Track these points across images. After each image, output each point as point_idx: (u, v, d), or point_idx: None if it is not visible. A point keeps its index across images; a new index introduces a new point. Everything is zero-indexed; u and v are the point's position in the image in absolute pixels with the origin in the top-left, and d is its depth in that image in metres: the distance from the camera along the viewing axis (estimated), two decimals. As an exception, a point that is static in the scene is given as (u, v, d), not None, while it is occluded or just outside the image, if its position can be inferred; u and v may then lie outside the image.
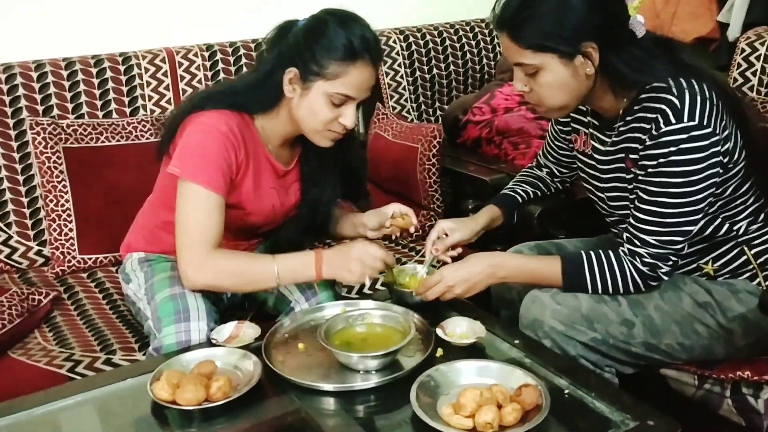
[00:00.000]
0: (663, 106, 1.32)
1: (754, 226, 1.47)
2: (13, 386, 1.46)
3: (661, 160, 1.33)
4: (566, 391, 1.25)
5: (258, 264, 1.46)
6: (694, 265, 1.51)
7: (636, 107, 1.39)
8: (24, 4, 2.12)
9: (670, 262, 1.41)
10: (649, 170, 1.36)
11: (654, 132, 1.33)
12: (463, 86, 2.81)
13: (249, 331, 1.44)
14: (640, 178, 1.39)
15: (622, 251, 1.43)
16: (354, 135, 1.65)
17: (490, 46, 2.85)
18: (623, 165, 1.45)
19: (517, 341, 1.40)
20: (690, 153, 1.31)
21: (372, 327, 1.44)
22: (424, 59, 2.70)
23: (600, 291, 1.44)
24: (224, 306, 1.71)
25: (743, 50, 2.08)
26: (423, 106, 2.71)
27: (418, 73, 2.68)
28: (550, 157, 1.81)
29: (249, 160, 1.54)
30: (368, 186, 2.47)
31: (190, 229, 1.44)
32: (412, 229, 1.68)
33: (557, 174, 1.83)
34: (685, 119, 1.30)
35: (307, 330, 1.48)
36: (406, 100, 2.63)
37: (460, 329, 1.42)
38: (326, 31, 1.45)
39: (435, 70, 2.73)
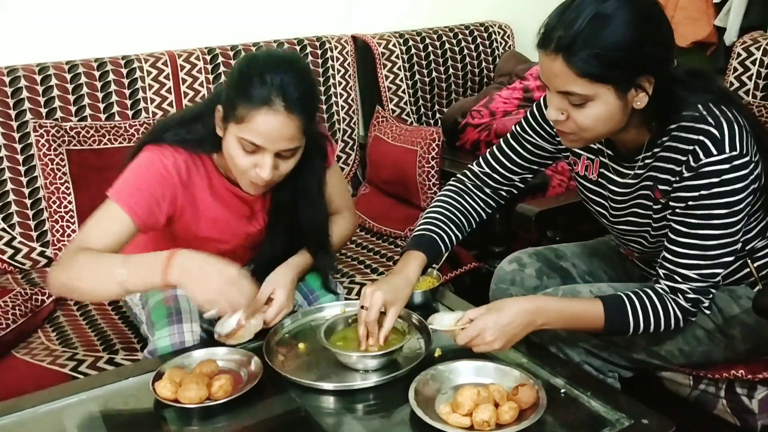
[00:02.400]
0: (701, 137, 1.26)
1: (762, 243, 1.46)
2: (17, 385, 1.48)
3: (704, 192, 1.27)
4: (562, 391, 1.26)
5: (103, 262, 1.30)
6: None
7: (665, 138, 1.32)
8: (27, 8, 2.13)
9: (710, 296, 1.35)
10: (690, 203, 1.29)
11: (693, 163, 1.27)
12: (462, 89, 2.83)
13: (253, 322, 1.41)
14: (677, 211, 1.32)
15: (662, 289, 1.35)
16: (314, 196, 1.54)
17: (489, 50, 2.87)
18: (649, 193, 1.37)
19: (514, 342, 1.42)
20: (733, 183, 1.26)
21: (371, 327, 1.46)
22: (424, 63, 2.72)
23: (641, 331, 1.36)
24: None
25: (739, 54, 2.09)
26: (422, 109, 2.73)
27: (417, 76, 2.70)
28: (516, 168, 1.59)
29: (196, 194, 1.48)
30: (368, 191, 2.51)
31: (78, 236, 1.38)
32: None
33: (502, 193, 1.63)
34: (727, 149, 1.25)
35: (308, 330, 1.49)
36: (405, 103, 2.65)
37: (447, 321, 1.38)
38: (242, 73, 1.35)
39: (434, 74, 2.75)
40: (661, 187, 1.35)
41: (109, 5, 2.25)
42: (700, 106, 1.29)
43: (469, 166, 1.66)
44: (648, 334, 1.39)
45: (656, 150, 1.35)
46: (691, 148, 1.28)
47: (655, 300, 1.35)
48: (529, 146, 1.57)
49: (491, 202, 1.63)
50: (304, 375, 1.32)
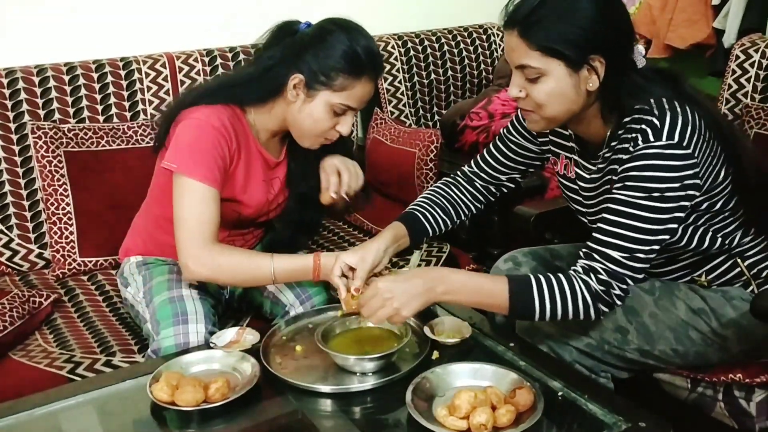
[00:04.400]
0: (643, 126, 1.30)
1: (747, 238, 1.47)
2: (14, 387, 1.48)
3: (635, 173, 1.29)
4: (560, 394, 1.26)
5: (255, 262, 1.49)
6: (688, 278, 1.51)
7: (620, 131, 1.36)
8: (26, 10, 2.13)
9: (625, 286, 1.32)
10: (625, 183, 1.31)
11: (632, 149, 1.30)
12: (460, 91, 2.83)
13: (249, 337, 1.45)
14: (613, 191, 1.34)
15: (574, 270, 1.34)
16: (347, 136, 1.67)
17: (487, 52, 2.87)
18: (609, 187, 1.40)
19: (512, 344, 1.42)
20: (663, 170, 1.27)
21: (369, 329, 1.46)
22: (422, 65, 2.72)
23: (548, 316, 1.32)
24: (221, 310, 1.72)
25: (738, 57, 2.09)
26: (421, 111, 2.73)
27: (416, 78, 2.70)
28: (503, 168, 1.66)
29: (241, 153, 1.57)
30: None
31: (189, 223, 1.46)
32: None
33: (492, 190, 1.69)
34: (664, 138, 1.27)
35: (305, 332, 1.49)
36: (404, 105, 2.65)
37: (448, 328, 1.45)
38: (334, 43, 1.48)
39: (433, 76, 2.75)
40: (614, 178, 1.38)
41: (107, 7, 2.25)
42: (652, 100, 1.32)
43: (461, 167, 1.74)
44: (585, 324, 1.40)
45: (614, 144, 1.38)
46: (634, 136, 1.31)
47: (563, 281, 1.32)
48: (513, 146, 1.65)
49: (480, 197, 1.70)
50: (301, 377, 1.32)
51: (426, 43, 2.73)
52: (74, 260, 1.97)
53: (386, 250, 1.50)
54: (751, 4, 2.63)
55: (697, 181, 1.31)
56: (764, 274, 1.48)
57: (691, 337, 1.46)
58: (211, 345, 1.43)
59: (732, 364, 1.48)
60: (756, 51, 2.06)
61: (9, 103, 1.99)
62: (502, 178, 1.68)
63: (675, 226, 1.32)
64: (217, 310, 1.64)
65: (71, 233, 1.97)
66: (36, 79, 2.04)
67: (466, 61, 2.82)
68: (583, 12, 1.27)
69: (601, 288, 1.31)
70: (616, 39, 1.31)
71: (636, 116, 1.33)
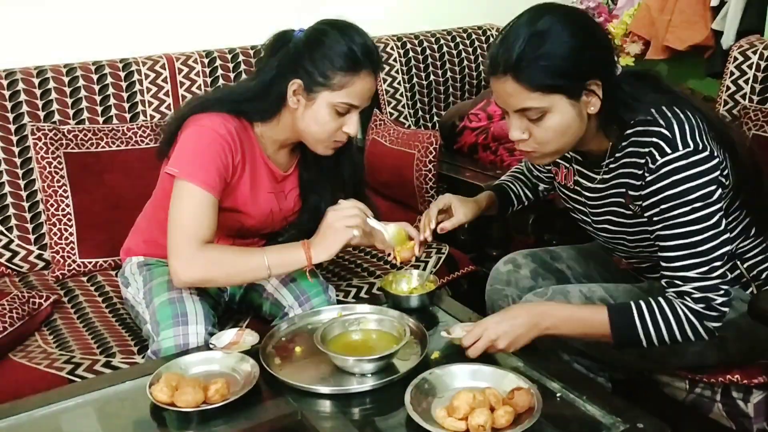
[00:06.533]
0: (654, 139, 1.30)
1: (747, 242, 1.47)
2: (13, 388, 1.48)
3: (671, 192, 1.28)
4: (558, 395, 1.27)
5: (248, 256, 1.49)
6: None
7: (624, 143, 1.37)
8: (26, 11, 2.14)
9: (722, 291, 1.30)
10: (663, 206, 1.30)
11: (651, 165, 1.30)
12: (459, 93, 2.83)
13: (248, 338, 1.45)
14: (655, 219, 1.32)
15: (670, 295, 1.33)
16: (351, 140, 1.67)
17: (486, 53, 2.87)
18: (621, 200, 1.42)
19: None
20: (698, 178, 1.27)
21: (368, 331, 1.46)
22: (422, 66, 2.72)
23: (655, 341, 1.32)
24: (221, 311, 1.73)
25: (736, 59, 2.10)
26: (420, 113, 2.74)
27: (415, 79, 2.70)
28: (536, 172, 1.78)
29: (246, 164, 1.57)
30: (366, 192, 2.51)
31: (182, 226, 1.45)
32: (413, 259, 1.60)
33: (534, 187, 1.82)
34: (680, 147, 1.27)
35: (304, 334, 1.50)
36: (403, 107, 2.66)
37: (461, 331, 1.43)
38: (329, 42, 1.47)
39: (432, 77, 2.76)
40: (630, 192, 1.38)
41: (107, 7, 2.25)
42: (652, 109, 1.32)
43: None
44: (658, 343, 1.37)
45: (618, 155, 1.38)
46: (647, 150, 1.31)
47: (664, 304, 1.32)
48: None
49: (533, 185, 1.81)
50: (301, 378, 1.32)
51: (425, 44, 2.74)
52: (74, 261, 1.97)
53: (477, 215, 1.66)
54: (749, 5, 2.63)
55: (722, 179, 1.32)
56: (764, 275, 1.48)
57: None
58: (211, 346, 1.43)
59: (730, 365, 1.48)
60: (754, 53, 2.07)
61: (9, 105, 2.00)
62: (540, 182, 1.79)
63: (725, 224, 1.31)
64: (216, 311, 1.64)
65: (71, 234, 1.97)
66: (36, 80, 2.04)
67: (465, 62, 2.82)
68: (568, 43, 1.26)
69: (701, 306, 1.30)
70: (604, 57, 1.32)
71: (640, 128, 1.33)
